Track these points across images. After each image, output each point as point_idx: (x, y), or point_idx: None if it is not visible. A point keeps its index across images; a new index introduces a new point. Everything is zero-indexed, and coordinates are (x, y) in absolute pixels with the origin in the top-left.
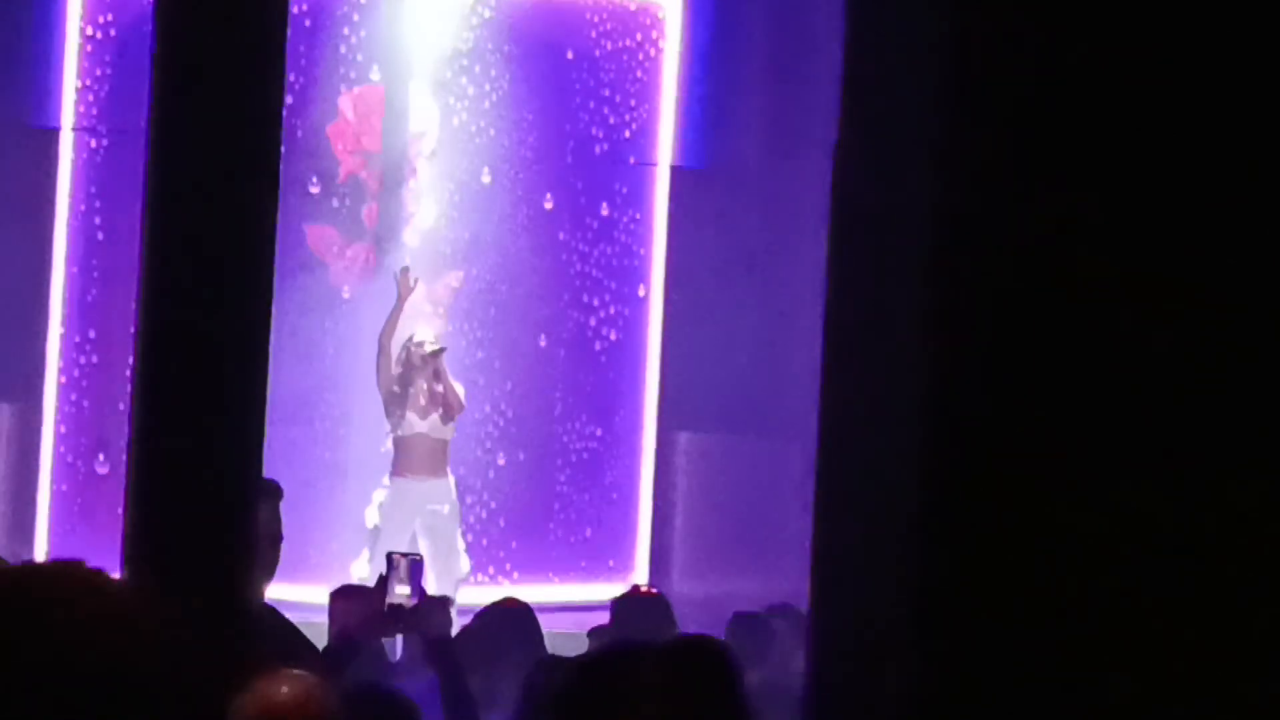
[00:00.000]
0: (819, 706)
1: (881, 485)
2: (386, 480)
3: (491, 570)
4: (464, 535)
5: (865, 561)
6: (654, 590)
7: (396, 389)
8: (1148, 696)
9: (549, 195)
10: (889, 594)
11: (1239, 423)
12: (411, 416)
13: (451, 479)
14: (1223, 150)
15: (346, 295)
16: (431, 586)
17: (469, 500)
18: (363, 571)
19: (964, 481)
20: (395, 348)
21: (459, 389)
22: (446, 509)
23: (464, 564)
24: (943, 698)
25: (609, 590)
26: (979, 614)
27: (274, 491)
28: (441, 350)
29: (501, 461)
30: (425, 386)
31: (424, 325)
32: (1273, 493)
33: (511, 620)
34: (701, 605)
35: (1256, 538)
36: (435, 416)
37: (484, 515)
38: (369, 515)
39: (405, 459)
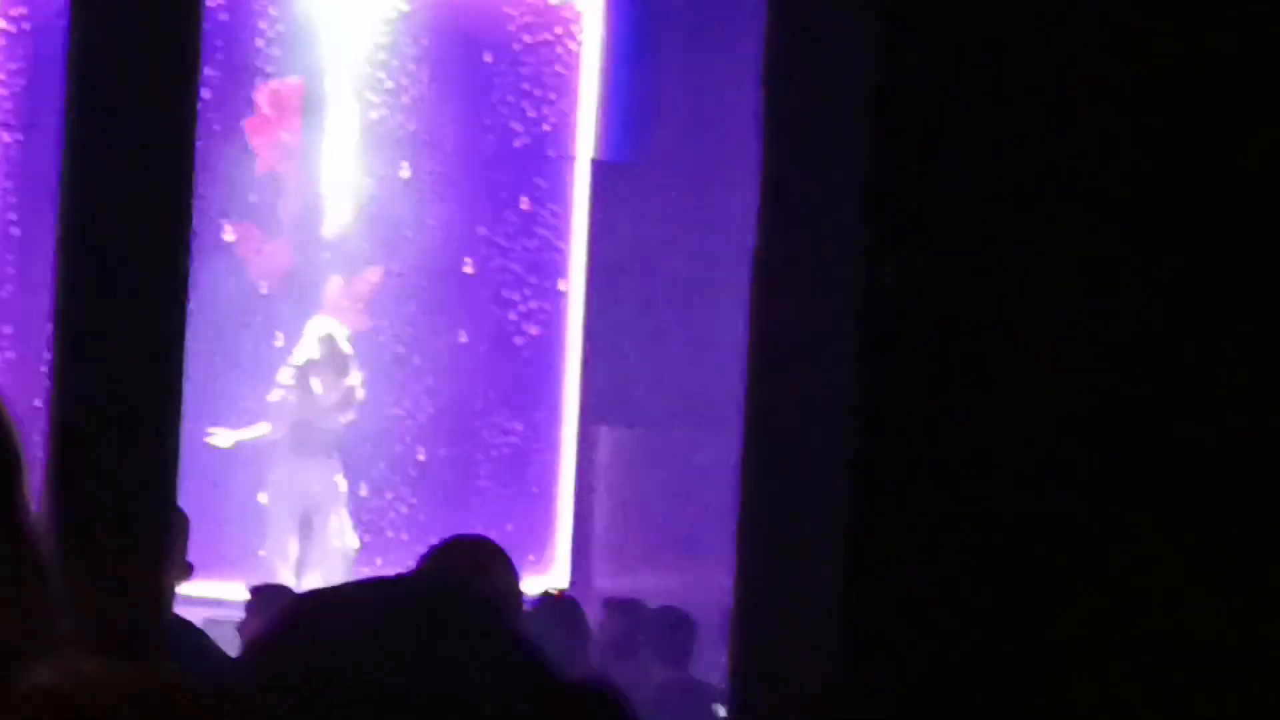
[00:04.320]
0: (744, 701)
1: (811, 477)
2: (279, 463)
3: (411, 565)
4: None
5: (794, 554)
6: (566, 594)
7: (291, 381)
8: (1098, 684)
9: (468, 190)
10: (819, 586)
11: (1190, 409)
12: (300, 405)
13: (337, 460)
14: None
15: (264, 290)
16: (325, 562)
17: (389, 495)
18: (264, 552)
19: (897, 473)
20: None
21: (352, 383)
22: (330, 488)
23: (352, 540)
24: (873, 688)
25: (530, 584)
26: (912, 606)
27: (181, 520)
28: (307, 363)
29: (422, 457)
30: (325, 382)
31: (323, 323)
32: (1238, 491)
33: (560, 613)
34: (622, 594)
35: (1215, 532)
36: (324, 406)
37: (405, 510)
38: (262, 495)
39: (292, 442)
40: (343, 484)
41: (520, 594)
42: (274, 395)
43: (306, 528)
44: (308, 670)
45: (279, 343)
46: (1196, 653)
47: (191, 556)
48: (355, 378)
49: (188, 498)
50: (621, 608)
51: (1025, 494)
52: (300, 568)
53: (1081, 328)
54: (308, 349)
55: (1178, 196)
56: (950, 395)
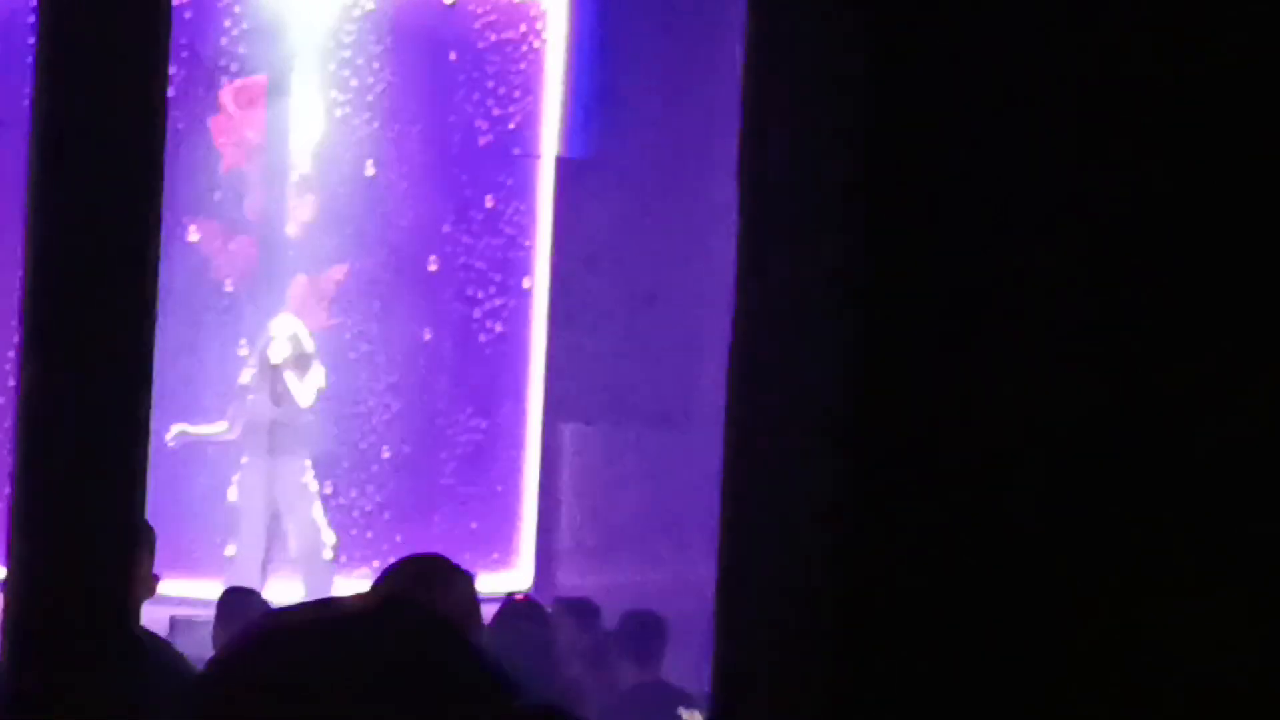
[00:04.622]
0: (726, 699)
1: (797, 471)
2: (244, 460)
3: (376, 563)
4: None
5: (777, 549)
6: (529, 596)
7: (255, 379)
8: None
9: (432, 188)
10: (803, 582)
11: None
12: (263, 403)
13: (307, 459)
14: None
15: (229, 288)
16: (298, 561)
17: (353, 493)
18: (233, 550)
19: (885, 467)
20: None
21: (313, 382)
22: (300, 486)
23: (329, 536)
24: (860, 687)
25: (494, 581)
26: (900, 603)
27: (148, 534)
28: (283, 362)
29: (386, 454)
30: (276, 380)
31: (284, 321)
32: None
33: (523, 616)
34: (586, 592)
35: (1221, 534)
36: (289, 404)
37: (369, 508)
38: (230, 493)
39: (259, 440)
40: (313, 483)
41: (478, 609)
42: (248, 397)
43: (276, 526)
44: (264, 695)
45: (242, 351)
46: (1202, 654)
47: (159, 553)
48: (318, 375)
49: (152, 494)
50: (570, 607)
51: (1022, 489)
52: (270, 566)
53: (1082, 327)
54: (281, 349)
55: (1185, 197)
56: (942, 386)
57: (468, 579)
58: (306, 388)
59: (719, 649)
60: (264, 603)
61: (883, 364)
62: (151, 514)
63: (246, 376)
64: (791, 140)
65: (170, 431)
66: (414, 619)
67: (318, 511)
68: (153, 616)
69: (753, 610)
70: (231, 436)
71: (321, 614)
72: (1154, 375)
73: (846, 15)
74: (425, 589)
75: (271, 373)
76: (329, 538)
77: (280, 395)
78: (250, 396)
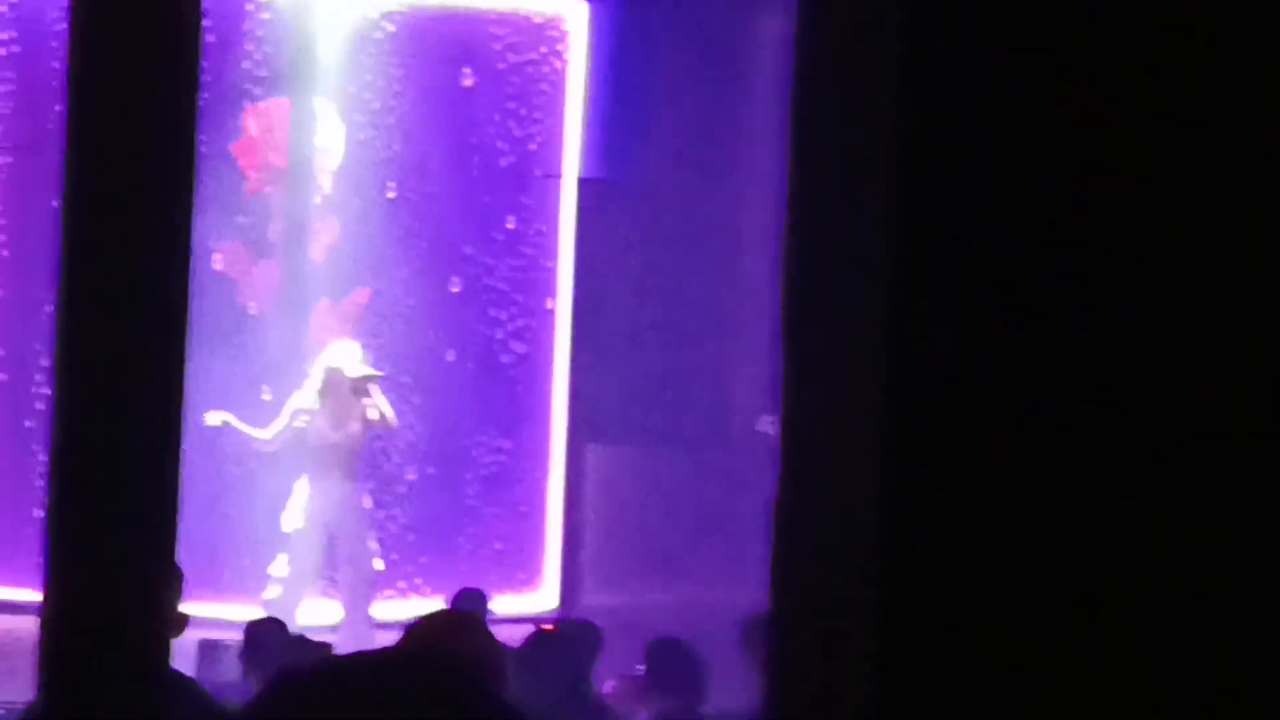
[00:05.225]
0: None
1: (844, 486)
2: (300, 485)
3: (402, 584)
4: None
5: (826, 570)
6: (559, 625)
7: (316, 406)
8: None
9: (454, 209)
10: (852, 599)
11: (1230, 416)
12: (326, 427)
13: (358, 481)
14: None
15: (254, 312)
16: (347, 585)
17: (380, 515)
18: (281, 572)
19: (932, 485)
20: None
21: (374, 400)
22: (356, 512)
23: (377, 563)
24: (908, 694)
25: (519, 602)
26: (946, 623)
27: (177, 575)
28: (373, 377)
29: (411, 476)
30: (345, 404)
31: (344, 346)
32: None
33: (553, 646)
34: (609, 615)
35: (1240, 533)
36: (351, 428)
37: (394, 530)
38: (284, 520)
39: (318, 465)
40: (367, 507)
41: (503, 660)
42: (299, 422)
43: (330, 549)
44: None
45: (267, 396)
46: (1220, 650)
47: (198, 578)
48: (374, 398)
49: (192, 519)
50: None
51: (1066, 500)
52: (321, 589)
53: (1115, 324)
54: (360, 366)
55: (1208, 202)
56: (993, 405)
57: (490, 633)
58: (356, 411)
59: (771, 662)
60: (288, 633)
61: (920, 366)
62: (182, 537)
63: (302, 398)
64: (830, 157)
65: (212, 417)
66: (440, 673)
67: (370, 537)
68: (181, 639)
69: (802, 614)
70: (269, 448)
71: (352, 667)
72: (1192, 374)
73: (883, 44)
74: (452, 642)
75: (339, 394)
76: (378, 564)
77: (341, 418)
78: (306, 419)
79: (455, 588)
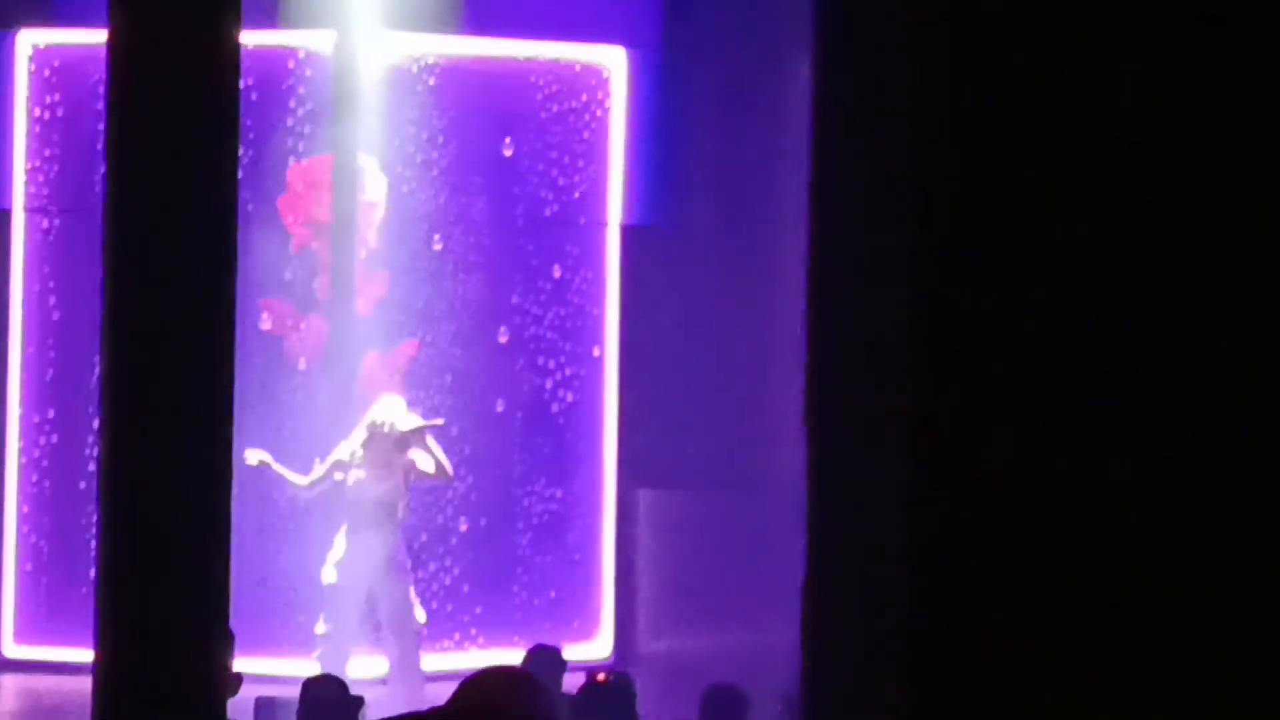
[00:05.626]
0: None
1: (872, 529)
2: (339, 539)
3: (457, 636)
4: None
5: (859, 610)
6: (612, 677)
7: (359, 457)
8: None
9: (500, 259)
10: (885, 641)
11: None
12: (367, 480)
13: (399, 534)
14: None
15: (302, 367)
16: (391, 640)
17: (432, 567)
18: (324, 627)
19: (958, 529)
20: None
21: (420, 455)
22: (395, 565)
23: (420, 615)
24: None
25: (574, 651)
26: (976, 662)
27: (229, 636)
28: (431, 426)
29: (463, 527)
30: (387, 458)
31: (388, 400)
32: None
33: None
34: (666, 658)
35: (1255, 529)
36: (392, 483)
37: (448, 581)
38: (325, 574)
39: (357, 518)
40: (407, 560)
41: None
42: (339, 474)
43: (371, 604)
44: None
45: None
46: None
47: (242, 633)
48: (431, 449)
49: (236, 574)
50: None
51: (1093, 513)
52: (363, 644)
53: (1139, 332)
54: (411, 419)
55: (1234, 205)
56: (1018, 443)
57: (541, 691)
58: (398, 465)
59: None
60: (345, 689)
61: (948, 406)
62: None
63: (345, 451)
64: (856, 193)
65: (251, 456)
66: None
67: (411, 590)
68: (238, 696)
69: (836, 662)
70: (307, 495)
71: None
72: (1215, 376)
73: (912, 84)
74: (502, 701)
75: (381, 448)
76: (420, 615)
77: (382, 472)
78: (352, 471)
79: (510, 636)
